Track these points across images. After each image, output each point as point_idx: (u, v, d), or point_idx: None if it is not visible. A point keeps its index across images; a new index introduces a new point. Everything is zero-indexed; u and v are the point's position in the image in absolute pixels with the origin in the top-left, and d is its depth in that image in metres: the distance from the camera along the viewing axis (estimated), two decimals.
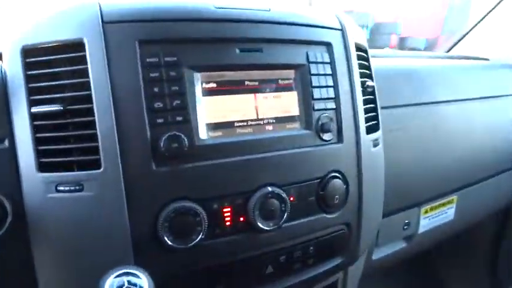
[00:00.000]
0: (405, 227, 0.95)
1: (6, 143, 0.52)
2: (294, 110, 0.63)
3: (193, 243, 0.54)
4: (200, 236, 0.54)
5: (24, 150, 0.51)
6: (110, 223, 0.51)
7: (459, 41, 1.46)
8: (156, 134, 0.52)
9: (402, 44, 6.24)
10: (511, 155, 1.18)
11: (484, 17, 1.42)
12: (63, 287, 0.54)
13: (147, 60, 0.52)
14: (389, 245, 0.95)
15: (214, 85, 0.57)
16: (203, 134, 0.56)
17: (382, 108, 0.84)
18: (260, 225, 0.58)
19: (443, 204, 1.01)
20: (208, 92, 0.56)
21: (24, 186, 0.51)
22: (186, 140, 0.53)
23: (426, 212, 0.97)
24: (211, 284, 0.58)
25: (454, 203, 1.03)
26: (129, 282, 0.42)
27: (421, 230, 0.98)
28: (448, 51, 1.50)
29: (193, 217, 0.53)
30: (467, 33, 1.46)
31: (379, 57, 0.98)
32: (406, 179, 0.88)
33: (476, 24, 1.44)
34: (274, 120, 0.61)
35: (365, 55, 0.76)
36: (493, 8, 1.39)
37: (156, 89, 0.52)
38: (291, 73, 0.64)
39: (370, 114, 0.73)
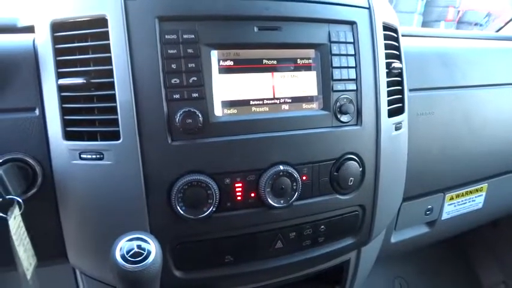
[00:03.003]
0: (428, 213, 0.93)
1: (37, 111, 0.57)
2: (312, 91, 0.63)
3: (204, 214, 0.56)
4: (211, 209, 0.57)
5: (53, 119, 0.55)
6: (127, 190, 0.55)
7: (511, 20, 1.36)
8: (172, 109, 0.54)
9: (460, 18, 5.87)
10: None
11: None
12: (85, 244, 0.59)
13: (166, 36, 0.54)
14: (410, 229, 0.94)
15: (231, 63, 0.58)
16: (218, 111, 0.57)
17: (411, 90, 0.81)
18: (270, 202, 0.59)
19: (471, 192, 0.97)
20: (225, 70, 0.57)
21: (52, 152, 0.56)
22: (201, 116, 0.55)
23: (451, 198, 0.95)
24: (221, 254, 0.61)
25: (483, 191, 0.99)
26: (138, 246, 0.46)
27: (444, 216, 0.96)
28: (497, 31, 1.40)
29: (205, 190, 0.56)
30: None
31: (414, 37, 0.94)
32: (431, 164, 0.86)
33: None
34: (290, 100, 0.62)
35: (394, 35, 0.73)
36: None
37: (173, 65, 0.54)
38: (310, 52, 0.63)
39: (394, 97, 0.72)
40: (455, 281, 1.46)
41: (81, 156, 0.55)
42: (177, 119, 0.54)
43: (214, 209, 0.57)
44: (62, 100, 0.55)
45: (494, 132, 0.94)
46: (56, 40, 0.55)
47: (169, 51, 0.54)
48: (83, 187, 0.56)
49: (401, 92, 0.74)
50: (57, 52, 0.55)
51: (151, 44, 0.53)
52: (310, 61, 0.63)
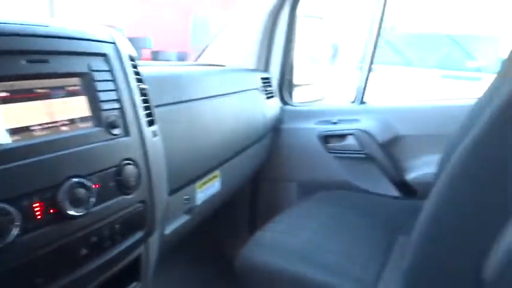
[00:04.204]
0: (186, 202, 1.17)
1: None
2: (86, 112, 0.74)
3: (9, 240, 0.58)
4: (15, 233, 0.58)
5: None
6: None
7: (203, 52, 1.81)
8: None
9: (155, 57, 6.67)
10: (255, 133, 1.58)
11: (216, 35, 1.81)
12: None
13: None
14: (177, 219, 1.15)
15: (8, 94, 0.61)
16: (2, 139, 0.60)
17: (156, 106, 1.02)
18: (71, 212, 0.66)
19: (211, 179, 1.28)
20: (3, 101, 0.61)
21: None
22: None
23: (200, 186, 1.22)
24: (31, 277, 0.63)
25: (218, 176, 1.32)
26: None
27: (198, 202, 1.22)
28: (196, 60, 1.83)
29: (5, 216, 0.57)
30: (206, 47, 1.82)
31: (147, 66, 1.16)
32: (182, 161, 1.09)
33: (212, 41, 1.81)
34: (68, 122, 0.70)
35: (135, 63, 0.92)
36: (223, 28, 1.79)
37: None
38: (77, 80, 0.73)
39: (147, 112, 0.90)
40: (214, 263, 1.79)
41: None
42: None
43: (19, 233, 0.59)
44: None
45: (218, 130, 1.28)
46: None
47: None
48: None
49: (150, 107, 0.93)
50: None
51: None
52: (78, 87, 0.73)
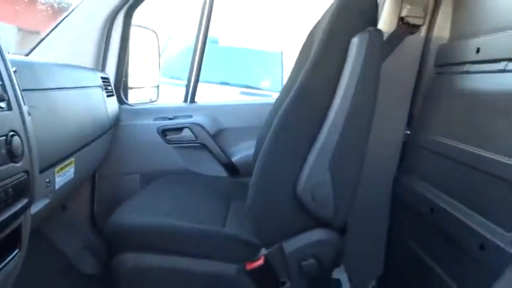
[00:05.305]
0: (48, 184, 1.22)
1: None
2: None
3: None
4: None
5: None
6: None
7: (36, 47, 1.80)
8: None
9: None
10: (101, 127, 1.69)
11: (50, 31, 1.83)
12: None
13: None
14: (39, 201, 1.18)
15: None
16: None
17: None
18: None
19: (67, 165, 1.35)
20: None
21: None
22: None
23: (59, 171, 1.28)
24: None
25: (73, 163, 1.39)
26: None
27: (57, 186, 1.28)
28: (27, 54, 1.80)
29: None
30: (40, 42, 1.82)
31: None
32: (44, 144, 1.14)
33: (45, 37, 1.83)
34: None
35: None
36: (57, 24, 1.83)
37: None
38: None
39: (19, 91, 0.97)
40: (53, 260, 1.78)
41: None
42: None
43: None
44: None
45: (71, 120, 1.36)
46: None
47: None
48: None
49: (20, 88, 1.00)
50: None
51: None
52: None
